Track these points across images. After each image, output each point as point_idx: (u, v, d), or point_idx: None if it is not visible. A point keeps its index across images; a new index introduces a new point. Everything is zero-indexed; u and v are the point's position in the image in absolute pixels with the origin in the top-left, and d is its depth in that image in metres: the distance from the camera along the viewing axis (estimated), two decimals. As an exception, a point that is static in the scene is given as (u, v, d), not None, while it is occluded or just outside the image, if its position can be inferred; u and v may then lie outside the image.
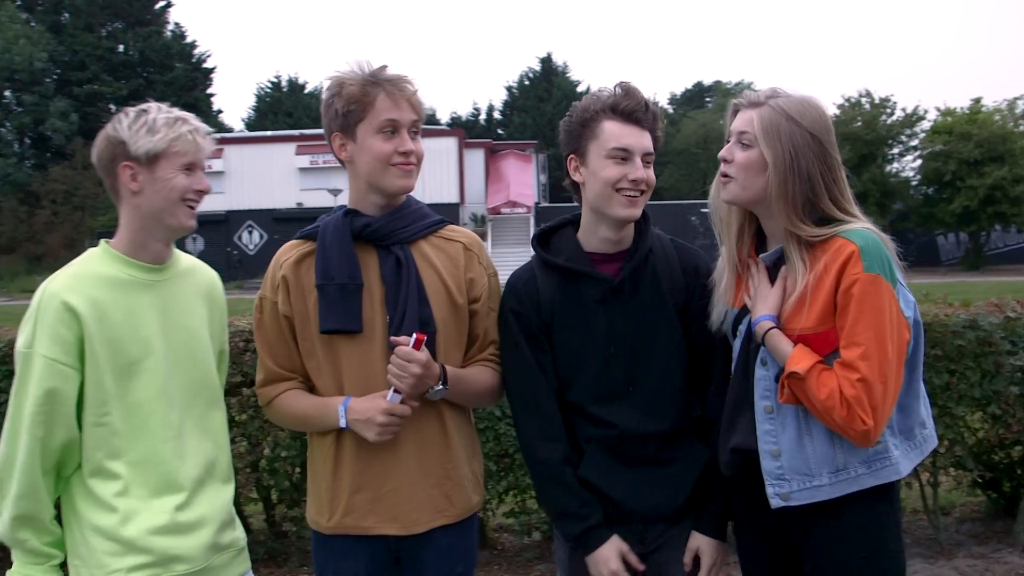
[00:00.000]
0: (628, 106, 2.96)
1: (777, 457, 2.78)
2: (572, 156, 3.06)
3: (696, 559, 3.08)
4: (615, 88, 3.01)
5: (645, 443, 3.05)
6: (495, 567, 6.05)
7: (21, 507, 2.70)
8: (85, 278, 2.77)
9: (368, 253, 2.97)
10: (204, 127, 2.89)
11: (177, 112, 2.87)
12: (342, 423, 2.90)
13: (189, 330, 2.94)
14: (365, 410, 2.86)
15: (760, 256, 2.89)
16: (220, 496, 2.97)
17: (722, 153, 2.88)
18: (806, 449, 2.76)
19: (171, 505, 2.80)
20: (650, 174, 3.00)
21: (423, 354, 2.81)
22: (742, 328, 2.90)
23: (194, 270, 3.07)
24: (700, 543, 3.07)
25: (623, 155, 2.95)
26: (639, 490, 3.06)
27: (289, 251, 3.06)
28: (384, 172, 2.92)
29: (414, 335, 2.80)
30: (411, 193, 3.09)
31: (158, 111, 2.84)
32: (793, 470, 2.76)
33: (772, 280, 2.83)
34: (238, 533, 3.04)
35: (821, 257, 2.71)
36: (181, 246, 3.09)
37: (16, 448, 2.69)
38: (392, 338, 2.85)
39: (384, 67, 2.94)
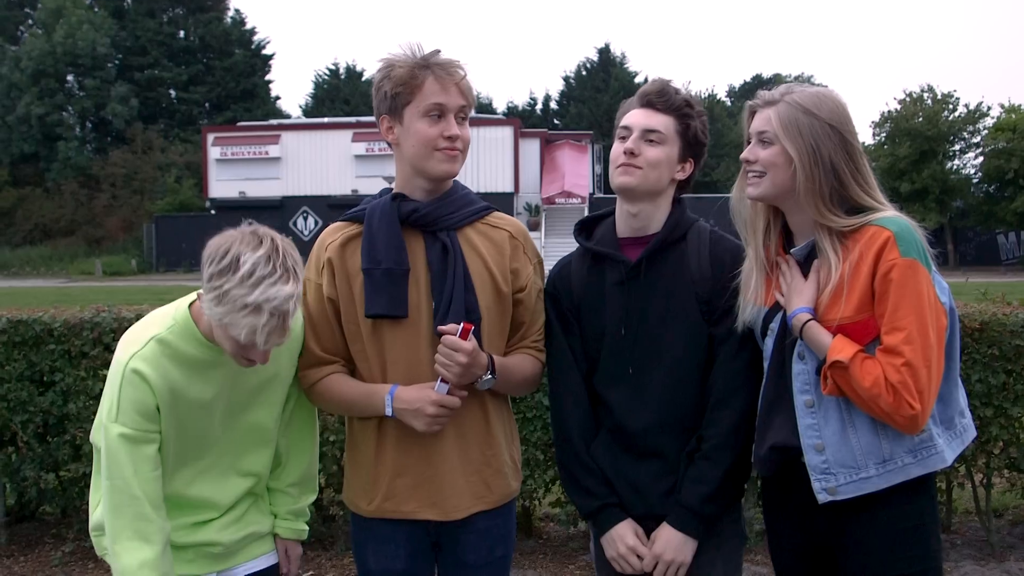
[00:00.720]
0: (645, 91, 3.06)
1: (821, 451, 2.76)
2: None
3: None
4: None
5: (644, 432, 3.02)
6: (540, 556, 6.06)
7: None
8: (164, 356, 2.80)
9: (415, 238, 2.97)
10: (284, 311, 2.62)
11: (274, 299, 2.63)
12: (388, 412, 2.90)
13: (253, 386, 2.96)
14: (413, 400, 2.86)
15: (791, 251, 2.88)
16: (249, 514, 3.09)
17: (744, 155, 2.90)
18: (851, 441, 2.73)
19: (188, 521, 2.96)
20: (647, 149, 2.99)
21: (470, 344, 2.80)
22: (774, 326, 2.88)
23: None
24: (659, 533, 3.00)
25: (624, 133, 3.04)
26: (640, 483, 3.03)
27: (334, 233, 3.07)
28: (429, 156, 2.93)
29: (461, 324, 2.79)
30: (465, 181, 3.10)
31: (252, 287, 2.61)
32: (839, 463, 2.74)
33: (804, 275, 2.82)
34: (269, 524, 3.16)
35: (854, 247, 2.71)
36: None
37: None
38: (439, 327, 2.85)
39: (436, 51, 2.94)
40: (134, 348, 2.79)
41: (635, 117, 3.02)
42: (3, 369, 5.80)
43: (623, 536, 3.01)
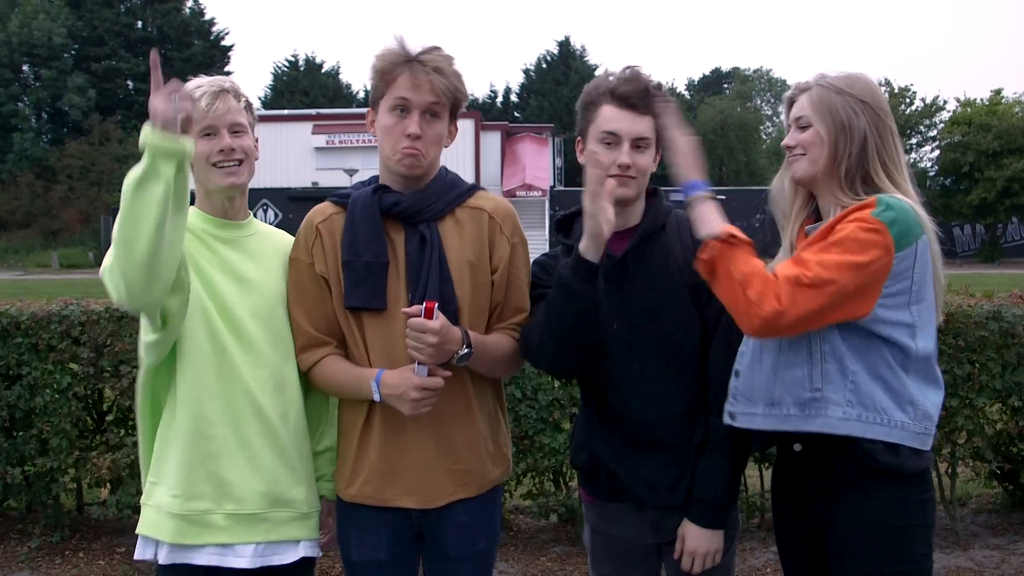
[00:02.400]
0: (625, 91, 2.96)
1: (737, 376, 2.86)
2: (579, 138, 3.09)
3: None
4: (622, 71, 3.01)
5: (648, 425, 3.01)
6: (512, 548, 6.06)
7: None
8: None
9: (396, 229, 2.98)
10: (218, 87, 2.98)
11: (204, 79, 3.02)
12: (376, 397, 2.90)
13: (268, 283, 3.05)
14: (397, 385, 2.85)
15: (806, 228, 2.90)
16: (287, 451, 3.02)
17: (784, 142, 2.94)
18: (754, 376, 2.82)
19: (230, 437, 2.94)
20: (639, 159, 2.97)
21: (436, 322, 2.76)
22: None
23: (271, 234, 3.22)
24: (686, 531, 3.02)
25: (611, 139, 2.96)
26: (649, 475, 3.03)
27: (323, 212, 3.07)
28: (391, 153, 2.95)
29: (424, 303, 2.78)
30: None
31: (193, 84, 2.94)
32: (742, 393, 2.84)
33: None
34: (304, 496, 3.07)
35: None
36: None
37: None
38: (403, 310, 2.83)
39: (430, 47, 2.94)
40: None
41: (621, 123, 2.95)
42: (-32, 363, 5.72)
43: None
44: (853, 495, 2.77)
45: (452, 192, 3.05)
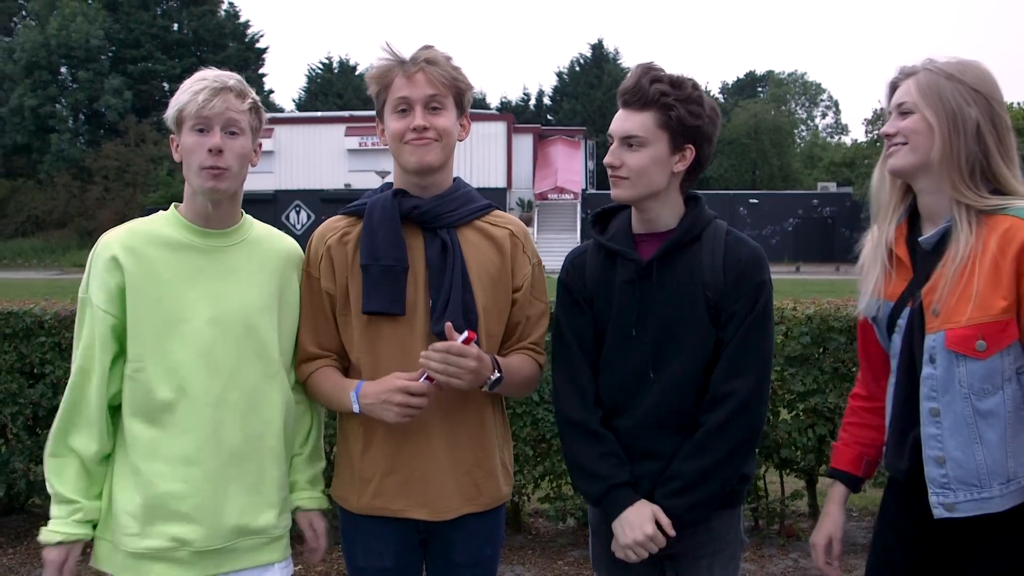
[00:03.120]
0: (623, 88, 2.89)
1: (942, 464, 2.57)
2: None
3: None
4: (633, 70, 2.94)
5: (637, 431, 2.92)
6: (529, 552, 6.05)
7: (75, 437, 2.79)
8: (140, 234, 2.84)
9: (414, 235, 2.95)
10: (221, 83, 2.81)
11: (211, 73, 2.86)
12: (355, 409, 2.88)
13: (246, 298, 2.88)
14: (379, 392, 2.82)
15: (920, 239, 2.67)
16: (258, 475, 2.89)
17: (884, 129, 2.72)
18: (976, 457, 2.53)
19: (195, 474, 2.78)
20: (629, 157, 2.85)
21: (474, 349, 2.77)
22: (902, 322, 2.70)
23: (267, 239, 3.03)
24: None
25: (610, 140, 2.91)
26: (639, 485, 2.90)
27: (333, 226, 3.05)
28: (400, 150, 2.92)
29: (465, 332, 2.77)
30: (458, 174, 3.08)
31: (197, 75, 2.86)
32: (959, 480, 2.55)
33: (933, 266, 2.60)
34: (275, 519, 2.93)
35: (990, 236, 2.50)
36: None
37: (74, 384, 2.80)
38: (439, 328, 2.80)
39: (420, 48, 2.95)
40: (107, 234, 2.88)
41: (615, 122, 2.88)
42: (-7, 361, 5.78)
43: (640, 523, 2.82)
44: (998, 524, 2.58)
45: (471, 204, 3.03)
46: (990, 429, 2.52)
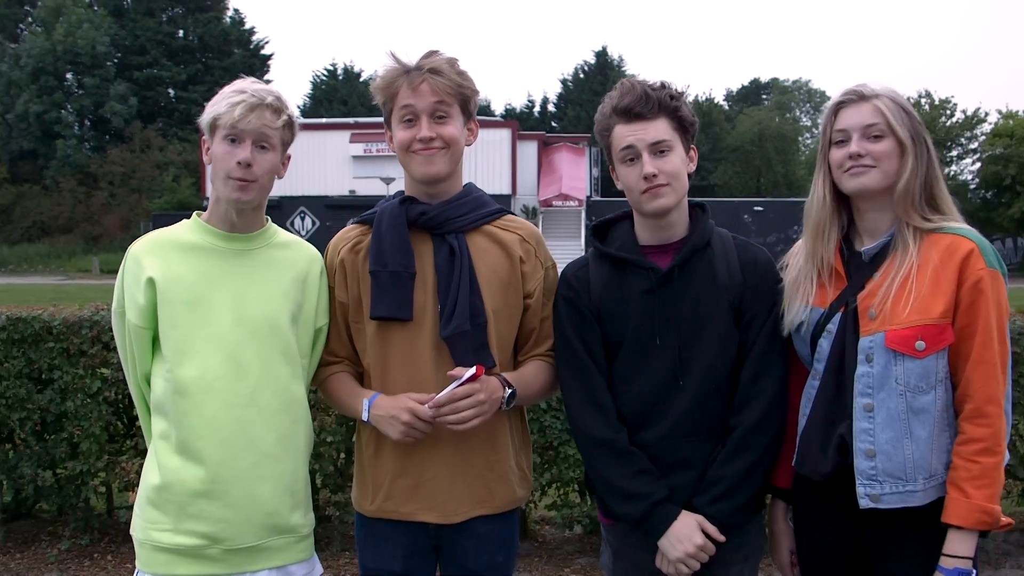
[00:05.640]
0: (626, 104, 2.89)
1: (872, 457, 2.71)
2: (611, 168, 3.03)
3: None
4: (619, 87, 2.95)
5: (667, 442, 2.90)
6: (536, 559, 6.05)
7: None
8: (166, 243, 2.92)
9: (423, 241, 2.98)
10: (258, 100, 2.84)
11: (250, 85, 2.89)
12: (364, 417, 2.92)
13: (270, 301, 2.91)
14: (389, 408, 2.86)
15: (863, 250, 2.84)
16: (292, 475, 2.94)
17: (854, 148, 2.77)
18: (904, 452, 2.69)
19: (226, 474, 2.81)
20: (663, 164, 2.86)
21: (478, 384, 2.81)
22: (831, 327, 2.82)
23: (289, 246, 3.06)
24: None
25: (631, 155, 2.89)
26: (674, 497, 2.89)
27: (346, 235, 3.09)
28: (408, 160, 2.96)
29: (472, 369, 2.79)
30: (466, 181, 3.10)
31: (237, 85, 2.90)
32: (887, 472, 2.70)
33: (871, 273, 2.80)
34: (303, 518, 2.99)
35: (930, 250, 2.72)
36: None
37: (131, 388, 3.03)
38: (449, 373, 2.83)
39: (425, 54, 2.96)
40: (134, 245, 2.98)
41: (634, 134, 2.86)
42: (2, 366, 5.80)
43: (688, 536, 2.83)
44: (915, 516, 2.74)
45: (481, 209, 3.05)
46: (921, 426, 2.70)
